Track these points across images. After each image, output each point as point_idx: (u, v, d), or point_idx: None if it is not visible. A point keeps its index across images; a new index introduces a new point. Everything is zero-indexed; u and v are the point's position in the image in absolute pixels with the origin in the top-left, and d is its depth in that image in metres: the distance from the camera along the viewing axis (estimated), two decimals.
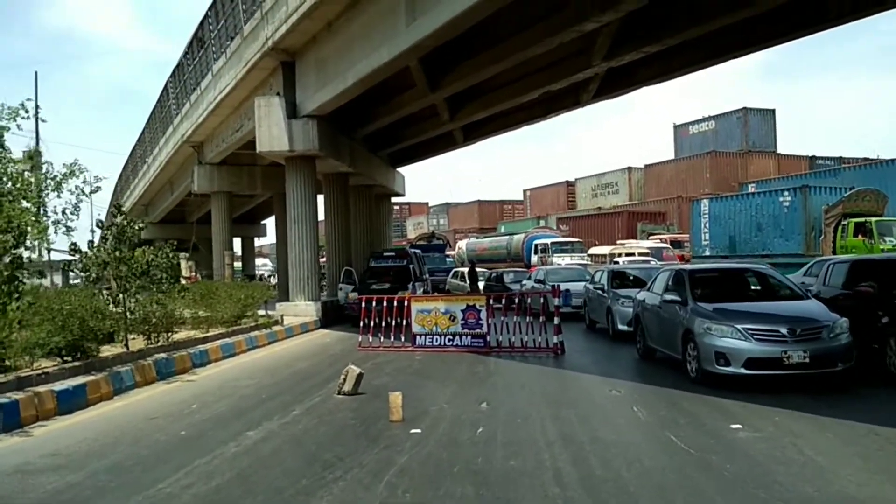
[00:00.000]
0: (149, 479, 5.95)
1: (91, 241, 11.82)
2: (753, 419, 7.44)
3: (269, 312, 18.89)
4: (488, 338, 13.68)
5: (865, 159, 38.17)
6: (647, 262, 28.12)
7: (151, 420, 8.39)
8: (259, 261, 67.75)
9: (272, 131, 21.17)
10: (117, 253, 11.53)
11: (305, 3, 17.77)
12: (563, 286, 19.22)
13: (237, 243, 55.74)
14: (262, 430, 7.63)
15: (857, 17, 15.41)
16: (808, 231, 23.64)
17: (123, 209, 12.69)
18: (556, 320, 13.27)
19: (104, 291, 12.04)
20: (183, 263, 30.89)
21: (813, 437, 6.77)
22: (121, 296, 11.57)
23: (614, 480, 5.70)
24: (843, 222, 22.28)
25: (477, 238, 51.05)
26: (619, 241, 38.99)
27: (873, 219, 22.06)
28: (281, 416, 8.33)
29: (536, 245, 37.89)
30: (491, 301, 14.29)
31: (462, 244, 48.95)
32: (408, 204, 77.23)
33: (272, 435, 7.48)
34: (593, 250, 38.05)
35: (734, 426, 7.17)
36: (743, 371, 8.79)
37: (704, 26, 15.90)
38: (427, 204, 79.64)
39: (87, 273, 11.65)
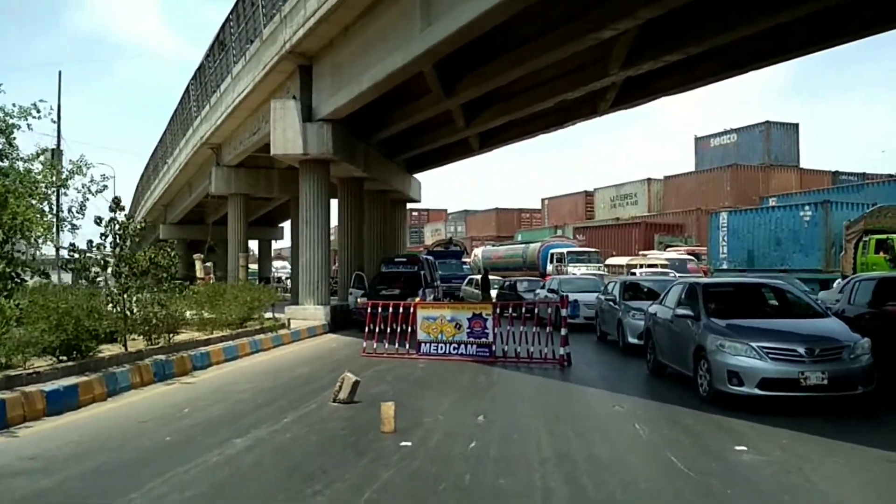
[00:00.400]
0: (122, 486, 5.74)
1: (90, 241, 11.68)
2: (760, 441, 7.11)
3: (277, 315, 18.74)
4: (494, 347, 13.41)
5: (890, 175, 37.45)
6: (666, 273, 27.69)
7: (140, 423, 8.21)
8: (278, 263, 68.06)
9: (287, 134, 21.13)
10: (118, 251, 11.42)
11: (323, 7, 17.73)
12: (574, 297, 19.00)
13: (254, 245, 56.05)
14: (250, 438, 7.41)
15: (886, 29, 14.98)
16: (829, 247, 23.17)
17: (125, 205, 12.50)
18: (563, 331, 12.97)
19: (112, 289, 11.91)
20: (198, 264, 30.95)
21: (821, 463, 6.43)
22: (120, 295, 11.42)
23: (606, 503, 5.42)
24: (864, 239, 21.73)
25: (493, 246, 50.87)
26: (640, 253, 38.59)
27: (895, 236, 21.50)
28: (271, 423, 8.11)
29: (552, 254, 37.64)
30: (498, 310, 14.03)
31: (478, 252, 48.77)
32: (426, 210, 77.18)
33: (258, 443, 7.26)
34: (611, 261, 37.70)
35: (739, 448, 6.84)
36: (757, 392, 8.31)
37: (725, 36, 15.57)
38: (446, 211, 79.54)
39: (87, 272, 11.54)
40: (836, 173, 46.80)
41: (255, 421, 8.21)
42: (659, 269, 30.88)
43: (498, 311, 14.07)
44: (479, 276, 28.13)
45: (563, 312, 13.30)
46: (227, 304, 15.84)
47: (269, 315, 18.05)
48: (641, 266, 33.22)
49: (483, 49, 17.76)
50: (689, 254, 35.96)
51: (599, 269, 34.34)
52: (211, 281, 27.49)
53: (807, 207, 24.92)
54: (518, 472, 6.16)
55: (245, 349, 14.62)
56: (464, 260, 40.42)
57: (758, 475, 6.06)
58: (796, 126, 51.78)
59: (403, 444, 7.04)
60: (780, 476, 6.02)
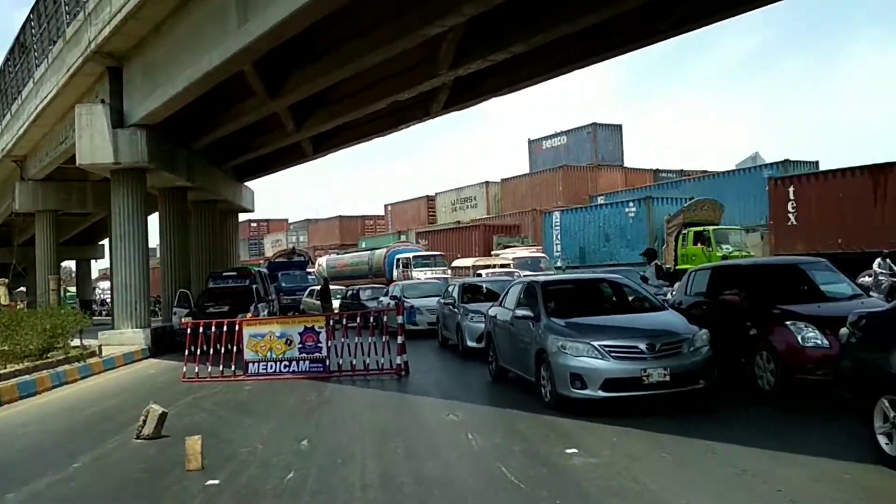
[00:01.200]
0: None
1: None
2: (590, 442, 6.92)
3: (89, 342, 16.90)
4: (328, 362, 12.67)
5: (704, 171, 40.44)
6: (511, 274, 28.01)
7: None
8: (104, 284, 63.05)
9: (95, 141, 19.25)
10: None
11: (129, 3, 16.26)
12: (415, 302, 18.77)
13: (72, 266, 51.51)
14: (24, 493, 6.24)
15: (707, 23, 15.69)
16: (652, 241, 24.44)
17: None
18: (399, 339, 12.46)
19: None
20: (1, 290, 27.71)
21: (650, 460, 6.31)
22: None
23: None
24: (683, 231, 23.12)
25: (338, 254, 49.89)
26: (493, 253, 38.87)
27: (711, 227, 23.07)
28: (56, 470, 6.92)
29: (398, 260, 37.29)
30: (333, 321, 13.34)
31: (322, 261, 47.62)
32: (266, 221, 74.70)
33: (33, 499, 6.13)
34: (457, 262, 37.75)
35: (569, 451, 6.60)
36: (601, 394, 7.89)
37: (548, 34, 15.68)
38: (287, 220, 77.28)
39: None
40: (656, 171, 49.90)
41: (34, 471, 6.97)
42: (504, 270, 31.10)
43: (332, 322, 13.37)
44: (319, 287, 27.20)
45: (400, 319, 12.81)
46: (24, 333, 13.98)
47: (76, 343, 16.18)
48: (494, 266, 33.29)
49: (309, 47, 17.01)
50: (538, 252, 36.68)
51: (445, 273, 34.37)
52: (16, 308, 24.63)
53: (631, 204, 26.27)
54: (336, 503, 5.53)
55: (45, 383, 12.87)
56: (308, 270, 39.23)
57: (587, 479, 5.82)
58: (620, 127, 54.89)
59: (209, 482, 6.19)
60: (609, 478, 5.81)
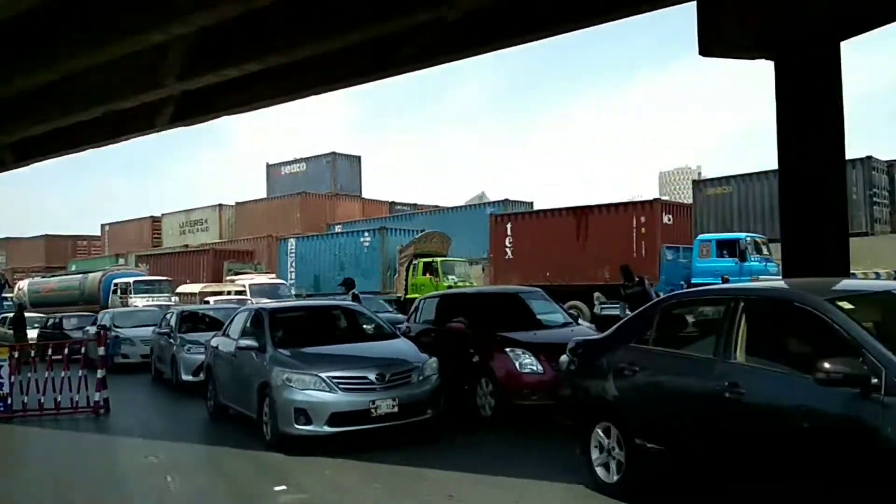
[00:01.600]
0: None
1: None
2: (303, 477, 6.59)
3: None
4: (10, 400, 10.84)
5: (436, 206, 42.62)
6: (245, 301, 26.69)
7: None
8: None
9: None
10: None
11: None
12: (128, 332, 17.17)
13: None
14: None
15: (437, 63, 16.33)
16: (385, 270, 25.01)
17: None
18: (99, 373, 11.07)
19: None
20: None
21: (360, 492, 6.15)
22: None
23: None
24: (414, 262, 24.00)
25: (43, 277, 44.35)
26: (226, 279, 36.83)
27: (439, 259, 24.21)
28: None
29: (115, 285, 33.98)
30: (16, 353, 11.50)
31: (24, 284, 42.00)
32: None
33: None
34: (182, 289, 35.35)
35: (278, 488, 6.21)
36: (326, 429, 7.40)
37: (285, 56, 15.27)
38: None
39: None
40: (392, 203, 51.57)
41: None
42: (239, 297, 29.58)
43: (17, 354, 11.53)
44: (12, 314, 23.74)
45: (101, 351, 11.42)
46: None
47: None
48: (227, 293, 31.45)
49: (6, 42, 14.87)
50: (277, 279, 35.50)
51: (169, 300, 32.00)
52: None
53: (367, 234, 26.75)
54: None
55: None
56: (5, 294, 34.28)
57: None
58: (359, 158, 55.93)
59: None
60: None
